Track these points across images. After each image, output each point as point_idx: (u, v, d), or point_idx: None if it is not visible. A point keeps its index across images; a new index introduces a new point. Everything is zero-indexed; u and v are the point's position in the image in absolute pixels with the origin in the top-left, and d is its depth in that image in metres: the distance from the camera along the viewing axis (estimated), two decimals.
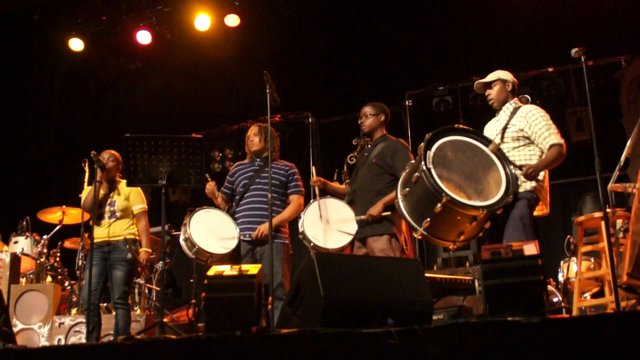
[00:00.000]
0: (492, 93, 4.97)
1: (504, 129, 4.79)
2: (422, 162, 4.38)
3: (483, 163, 4.59)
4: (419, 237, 4.58)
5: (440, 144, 4.56)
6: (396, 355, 2.86)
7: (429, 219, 4.36)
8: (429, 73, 8.99)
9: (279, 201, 5.55)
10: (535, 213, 4.79)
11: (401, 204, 4.56)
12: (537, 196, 4.68)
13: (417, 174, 4.43)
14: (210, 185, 5.60)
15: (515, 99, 4.96)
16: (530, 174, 4.54)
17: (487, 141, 4.69)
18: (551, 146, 4.65)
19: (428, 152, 4.44)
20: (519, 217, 4.56)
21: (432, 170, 4.36)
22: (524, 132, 4.73)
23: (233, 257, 5.37)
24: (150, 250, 5.87)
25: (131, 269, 5.77)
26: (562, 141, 4.68)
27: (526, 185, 4.64)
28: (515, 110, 4.84)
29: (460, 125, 4.78)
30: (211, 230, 5.43)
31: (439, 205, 4.26)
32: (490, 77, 5.00)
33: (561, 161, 4.69)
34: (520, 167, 4.58)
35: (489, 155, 4.61)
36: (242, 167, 5.81)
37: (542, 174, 4.68)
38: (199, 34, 9.34)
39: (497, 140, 4.75)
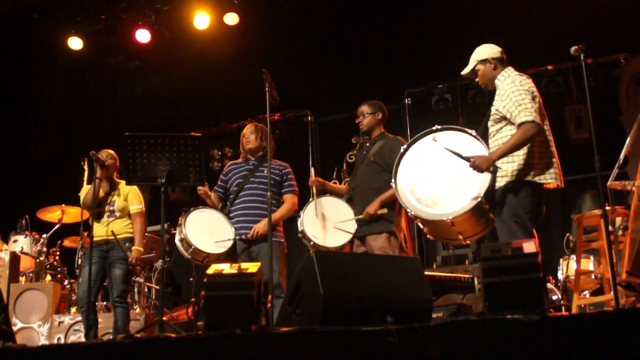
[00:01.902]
0: (480, 78, 4.73)
1: (489, 112, 4.61)
2: (392, 180, 4.57)
3: (459, 162, 4.43)
4: (432, 238, 4.86)
5: (416, 153, 4.60)
6: (396, 353, 2.86)
7: (425, 227, 4.61)
8: (428, 71, 8.98)
9: (273, 200, 5.54)
10: (550, 186, 4.47)
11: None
12: (527, 181, 4.39)
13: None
14: (204, 187, 5.59)
15: (506, 69, 4.65)
16: (477, 167, 4.26)
17: (468, 134, 4.54)
18: (519, 125, 4.32)
19: (401, 165, 4.57)
20: (508, 216, 4.35)
21: (404, 185, 4.53)
22: (500, 113, 4.47)
23: (229, 256, 5.38)
24: (141, 250, 5.87)
25: (129, 266, 5.77)
26: (530, 117, 4.29)
27: (508, 177, 4.39)
28: (500, 85, 4.58)
29: (439, 126, 4.65)
30: (207, 230, 5.44)
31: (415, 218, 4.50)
32: (470, 63, 4.76)
33: (531, 139, 4.33)
34: (467, 159, 4.31)
35: (470, 148, 4.47)
36: (236, 167, 5.81)
37: (522, 157, 4.36)
38: (198, 33, 9.33)
39: (489, 124, 4.62)
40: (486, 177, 4.36)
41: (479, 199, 4.30)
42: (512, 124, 4.44)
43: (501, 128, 4.53)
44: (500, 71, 4.66)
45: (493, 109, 4.57)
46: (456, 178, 4.43)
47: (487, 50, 4.72)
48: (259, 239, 5.41)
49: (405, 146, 4.63)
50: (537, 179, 4.43)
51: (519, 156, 4.40)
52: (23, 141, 10.38)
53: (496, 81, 4.66)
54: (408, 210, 4.42)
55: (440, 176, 4.48)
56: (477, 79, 4.78)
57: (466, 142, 4.54)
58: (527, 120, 4.31)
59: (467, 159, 4.32)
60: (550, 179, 4.45)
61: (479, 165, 4.28)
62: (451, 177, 4.44)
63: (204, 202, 5.73)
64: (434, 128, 4.63)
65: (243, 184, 5.66)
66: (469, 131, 4.57)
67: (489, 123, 4.64)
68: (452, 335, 2.89)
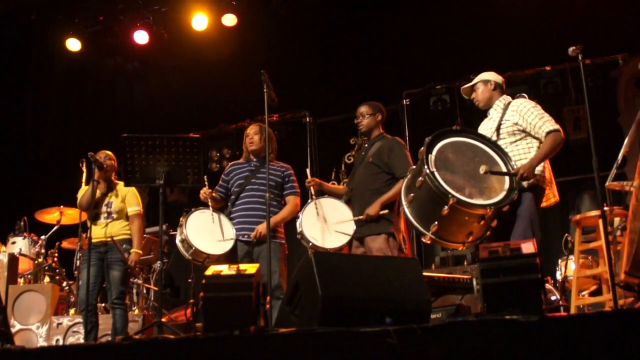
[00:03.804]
0: (476, 95, 5.04)
1: (499, 125, 4.80)
2: (425, 166, 4.34)
3: (484, 162, 4.57)
4: (428, 242, 4.52)
5: (441, 147, 4.54)
6: (394, 354, 2.86)
7: (436, 222, 4.32)
8: (426, 72, 8.98)
9: (275, 202, 5.55)
10: (545, 204, 4.79)
11: (407, 210, 4.51)
12: (541, 188, 4.68)
13: (421, 178, 4.38)
14: (205, 192, 5.57)
15: (504, 95, 4.97)
16: (524, 176, 4.46)
17: (486, 140, 4.68)
18: (547, 134, 4.62)
19: (430, 155, 4.42)
20: (529, 214, 4.58)
21: (436, 174, 4.32)
22: (519, 126, 4.73)
23: (230, 257, 5.36)
24: (140, 252, 5.85)
25: (127, 268, 5.77)
26: (557, 127, 4.64)
27: (531, 180, 4.60)
28: (507, 105, 4.87)
29: (458, 127, 4.80)
30: (207, 231, 5.42)
31: (445, 207, 4.22)
32: (473, 81, 5.07)
33: (560, 147, 4.64)
34: (514, 174, 4.49)
35: (489, 154, 4.60)
36: (238, 167, 5.79)
37: (539, 167, 4.62)
38: (196, 34, 9.34)
39: (494, 138, 4.77)
40: (511, 179, 4.50)
41: (512, 195, 4.38)
42: (529, 137, 4.73)
43: (516, 141, 4.77)
44: (498, 96, 4.99)
45: (509, 122, 4.78)
46: (483, 176, 4.46)
47: (491, 74, 5.07)
48: (261, 239, 5.39)
49: (430, 137, 4.55)
50: (548, 189, 4.74)
51: (539, 165, 4.64)
52: (21, 142, 10.38)
53: (497, 102, 4.95)
54: (450, 196, 4.22)
55: (468, 171, 4.52)
56: (473, 96, 5.08)
57: (486, 150, 4.62)
58: (555, 129, 4.63)
59: (513, 173, 4.48)
60: (551, 192, 4.78)
61: (527, 174, 4.46)
62: (478, 174, 4.46)
63: (203, 202, 5.70)
64: (453, 128, 4.72)
65: (244, 184, 5.64)
66: (488, 137, 4.71)
67: (495, 137, 4.79)
68: (450, 336, 2.89)
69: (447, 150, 4.56)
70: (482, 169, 4.42)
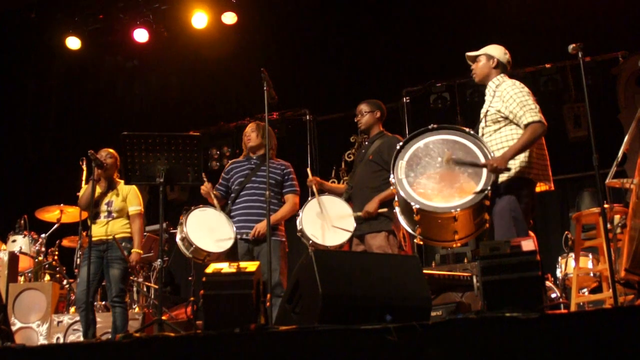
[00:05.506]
0: (476, 67, 4.79)
1: (486, 112, 4.64)
2: (392, 175, 4.41)
3: (460, 157, 4.44)
4: (421, 243, 4.57)
5: (415, 150, 4.51)
6: (394, 351, 2.86)
7: (418, 226, 4.38)
8: (426, 70, 8.98)
9: (275, 200, 5.55)
10: (537, 189, 4.55)
11: (399, 215, 4.56)
12: (526, 179, 4.45)
13: (392, 187, 4.47)
14: (207, 187, 5.57)
15: (501, 75, 4.68)
16: (496, 169, 4.27)
17: (465, 132, 4.52)
18: (526, 125, 4.38)
19: (400, 162, 4.45)
20: (507, 210, 4.38)
21: (403, 181, 4.38)
22: (502, 113, 4.51)
23: (230, 255, 5.37)
24: (141, 252, 5.85)
25: (127, 267, 5.77)
26: (537, 117, 4.37)
27: (510, 173, 4.41)
28: (497, 88, 4.63)
29: (435, 125, 4.59)
30: (208, 229, 5.43)
31: (415, 214, 4.28)
32: (479, 51, 4.82)
33: (539, 138, 4.43)
34: (484, 165, 4.32)
35: (469, 148, 4.45)
36: (238, 165, 5.79)
37: (523, 155, 4.42)
38: (196, 32, 9.33)
39: (482, 125, 4.64)
40: (488, 172, 4.34)
41: (486, 192, 4.24)
42: (513, 124, 4.49)
43: (500, 128, 4.56)
44: (497, 73, 4.71)
45: (492, 109, 4.58)
46: (458, 173, 4.40)
47: (498, 50, 4.78)
48: (260, 238, 5.40)
49: (401, 143, 4.58)
50: (535, 178, 4.49)
51: (521, 155, 4.44)
52: (21, 141, 10.38)
53: (490, 83, 4.70)
54: (412, 203, 4.25)
55: (441, 171, 4.43)
56: (473, 67, 4.82)
57: (464, 143, 4.52)
58: (535, 120, 4.37)
59: (483, 165, 4.32)
60: (545, 179, 4.54)
61: (497, 166, 4.28)
62: (453, 172, 4.41)
63: (203, 200, 5.71)
64: (429, 127, 4.58)
65: (244, 182, 5.65)
66: (467, 130, 4.55)
67: (484, 123, 4.66)
68: (451, 334, 2.89)
69: (421, 152, 4.50)
70: (446, 155, 4.36)
